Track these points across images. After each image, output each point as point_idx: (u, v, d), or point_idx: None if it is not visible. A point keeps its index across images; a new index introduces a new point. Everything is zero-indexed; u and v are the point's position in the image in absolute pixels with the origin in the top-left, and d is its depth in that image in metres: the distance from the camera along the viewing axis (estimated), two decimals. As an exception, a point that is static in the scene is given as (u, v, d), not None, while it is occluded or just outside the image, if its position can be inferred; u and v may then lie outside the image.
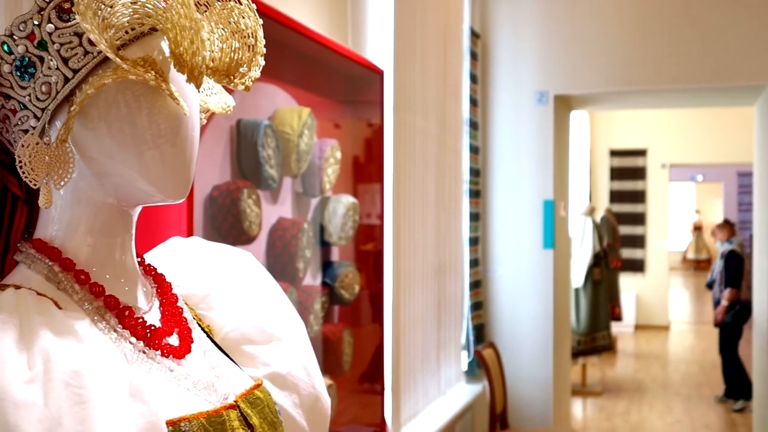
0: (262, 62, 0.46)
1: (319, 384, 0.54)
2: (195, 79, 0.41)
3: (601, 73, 2.70)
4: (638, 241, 6.15)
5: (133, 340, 0.44)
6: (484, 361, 2.41)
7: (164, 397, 0.42)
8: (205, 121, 0.52)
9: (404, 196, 1.88)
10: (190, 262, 0.55)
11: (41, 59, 0.42)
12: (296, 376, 0.53)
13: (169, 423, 0.41)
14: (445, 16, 2.26)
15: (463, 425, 2.48)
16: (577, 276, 3.92)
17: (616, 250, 4.79)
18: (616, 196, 6.12)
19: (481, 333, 2.70)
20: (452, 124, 2.37)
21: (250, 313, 0.54)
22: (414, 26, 1.93)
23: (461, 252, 2.52)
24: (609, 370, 4.77)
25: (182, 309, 0.49)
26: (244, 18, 0.45)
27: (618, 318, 4.57)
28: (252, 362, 0.52)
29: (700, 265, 10.48)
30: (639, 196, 6.15)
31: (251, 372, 0.51)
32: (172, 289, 0.50)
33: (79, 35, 0.42)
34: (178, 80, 0.44)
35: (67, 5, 0.42)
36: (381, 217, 1.66)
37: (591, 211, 4.16)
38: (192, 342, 0.47)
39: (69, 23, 0.42)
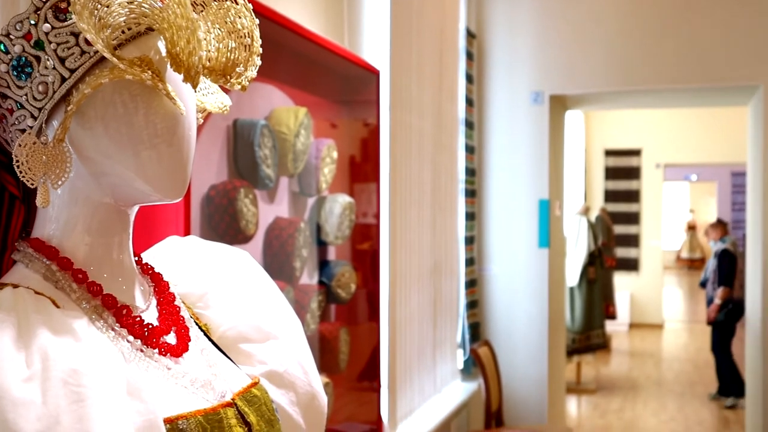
0: (259, 62, 0.46)
1: (315, 382, 0.55)
2: (191, 78, 0.41)
3: (596, 73, 2.71)
4: (633, 241, 6.19)
5: (131, 338, 0.44)
6: (480, 360, 2.43)
7: (162, 395, 0.43)
8: (202, 121, 0.52)
9: (400, 195, 1.89)
10: (188, 261, 0.55)
11: (38, 59, 0.42)
12: (293, 374, 0.53)
13: (167, 421, 0.41)
14: (441, 17, 2.26)
15: (459, 423, 2.49)
16: (572, 275, 3.94)
17: (611, 249, 4.82)
18: (610, 196, 6.15)
19: (476, 331, 2.72)
20: (448, 123, 2.37)
21: (247, 312, 0.54)
22: (410, 26, 1.93)
23: (457, 251, 2.53)
24: (603, 368, 4.80)
25: (179, 308, 0.50)
26: (240, 18, 0.45)
27: (612, 316, 4.60)
28: (249, 360, 0.52)
29: (694, 264, 10.56)
30: (633, 196, 6.19)
31: (248, 370, 0.51)
32: (169, 287, 0.50)
33: (76, 35, 0.42)
34: (174, 80, 0.44)
35: (63, 5, 0.42)
36: (377, 216, 1.67)
37: (586, 211, 4.18)
38: (189, 340, 0.47)
39: (65, 23, 0.42)
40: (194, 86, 0.42)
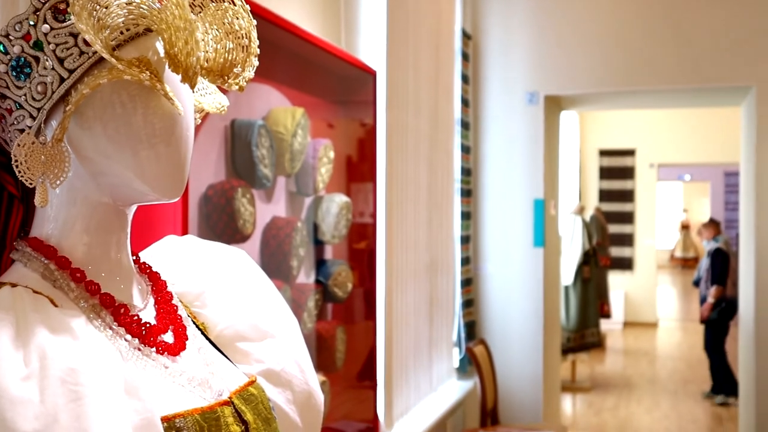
0: (256, 63, 0.46)
1: (312, 380, 0.55)
2: (189, 79, 0.42)
3: (590, 74, 2.73)
4: (627, 240, 6.23)
5: (129, 337, 0.45)
6: (475, 358, 2.44)
7: (159, 394, 0.43)
8: (200, 121, 0.53)
9: (397, 195, 1.89)
10: (185, 261, 0.55)
11: (37, 59, 0.42)
12: (290, 372, 0.53)
13: (164, 419, 0.41)
14: (437, 18, 2.27)
15: (455, 421, 2.50)
16: (567, 274, 3.96)
17: (605, 249, 4.85)
18: (605, 195, 6.19)
19: (472, 330, 2.73)
20: (444, 123, 2.38)
21: (244, 311, 0.54)
22: (406, 27, 1.94)
23: (453, 250, 2.54)
24: (598, 366, 4.83)
25: (177, 307, 0.50)
26: (238, 19, 0.46)
27: (607, 315, 4.63)
28: (246, 359, 0.52)
29: (687, 263, 10.64)
30: (628, 196, 6.23)
31: (245, 369, 0.52)
32: (167, 287, 0.51)
33: (75, 35, 0.42)
34: (172, 80, 0.44)
35: (62, 6, 0.42)
36: (374, 215, 1.67)
37: (580, 210, 4.20)
38: (187, 339, 0.48)
39: (64, 24, 0.42)
40: (192, 87, 0.42)
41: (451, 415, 2.37)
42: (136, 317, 0.46)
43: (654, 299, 6.43)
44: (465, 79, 2.67)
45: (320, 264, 1.47)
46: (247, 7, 0.47)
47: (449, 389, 2.45)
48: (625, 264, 6.21)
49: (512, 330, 2.77)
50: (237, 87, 0.46)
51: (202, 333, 0.51)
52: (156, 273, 0.51)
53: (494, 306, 2.80)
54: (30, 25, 0.42)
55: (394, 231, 1.86)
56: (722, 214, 9.83)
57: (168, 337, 0.47)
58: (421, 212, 2.12)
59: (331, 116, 1.58)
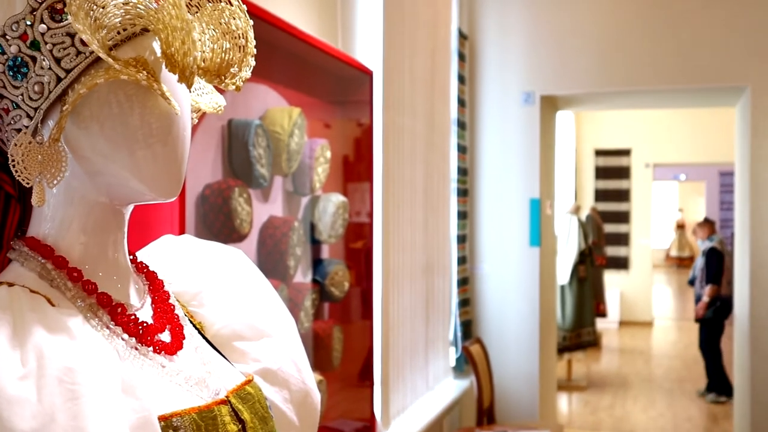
0: (253, 63, 0.47)
1: (309, 379, 0.55)
2: (186, 79, 0.42)
3: (586, 74, 2.74)
4: (622, 239, 6.26)
5: (126, 336, 0.45)
6: (472, 357, 2.44)
7: (156, 393, 0.43)
8: (197, 121, 0.53)
9: (393, 194, 1.90)
10: (182, 260, 0.56)
11: (34, 59, 0.42)
12: (287, 371, 0.54)
13: (162, 418, 0.41)
14: (433, 18, 2.27)
15: (451, 420, 2.51)
16: (563, 273, 3.97)
17: (601, 248, 4.87)
18: (601, 195, 6.22)
19: (468, 329, 2.73)
20: (440, 124, 2.39)
21: (241, 310, 0.55)
22: (403, 28, 1.95)
23: (449, 250, 2.54)
24: (594, 365, 4.85)
25: (174, 306, 0.50)
26: (234, 19, 0.46)
27: (603, 314, 4.65)
28: (243, 358, 0.53)
29: (683, 262, 10.69)
30: (623, 195, 6.26)
31: (242, 368, 0.52)
32: (164, 286, 0.51)
33: (72, 35, 0.42)
34: (169, 80, 0.44)
35: (59, 6, 0.42)
36: (370, 215, 1.68)
37: (576, 210, 4.22)
38: (184, 338, 0.48)
39: (61, 23, 0.42)
40: (189, 86, 0.43)
41: (447, 414, 2.38)
42: (133, 316, 0.46)
43: (649, 298, 6.47)
44: (461, 79, 2.68)
45: (317, 263, 1.47)
46: (244, 7, 0.47)
47: (446, 388, 2.46)
48: (621, 263, 6.24)
49: (508, 329, 2.78)
50: (234, 87, 0.46)
51: (199, 332, 0.52)
52: (153, 272, 0.51)
53: (490, 305, 2.81)
54: (27, 24, 0.42)
55: (390, 230, 1.86)
56: (717, 214, 9.89)
57: (165, 337, 0.47)
58: (418, 212, 2.13)
59: (327, 116, 1.58)
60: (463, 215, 2.72)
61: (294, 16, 1.45)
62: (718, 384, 3.95)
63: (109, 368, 0.39)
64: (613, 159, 6.21)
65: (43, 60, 0.42)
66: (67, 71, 0.42)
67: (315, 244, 1.47)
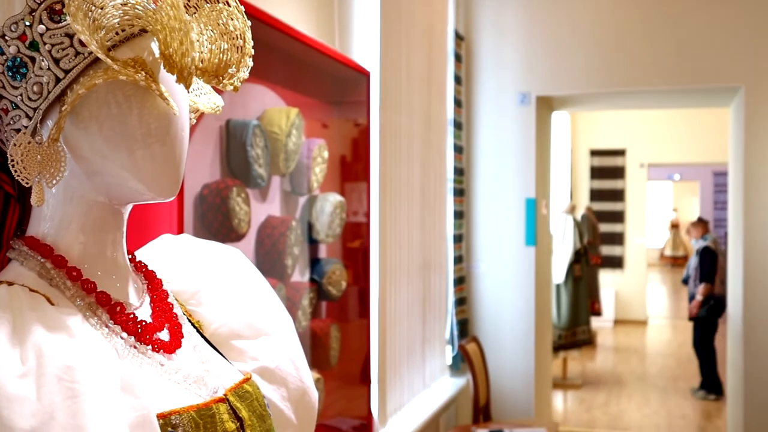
0: (251, 63, 0.47)
1: (306, 378, 0.56)
2: (184, 79, 0.42)
3: (581, 75, 2.76)
4: (617, 239, 6.30)
5: (125, 335, 0.45)
6: (468, 355, 2.46)
7: (155, 391, 0.43)
8: (195, 121, 0.53)
9: (390, 194, 1.90)
10: (181, 259, 0.56)
11: (33, 60, 0.42)
12: (284, 370, 0.54)
13: (160, 416, 0.42)
14: (429, 19, 2.28)
15: (447, 417, 2.52)
16: (559, 272, 3.99)
17: (596, 248, 4.90)
18: (596, 195, 6.25)
19: (464, 328, 2.74)
20: (437, 124, 2.40)
21: (239, 309, 0.55)
22: (399, 29, 1.95)
23: (445, 249, 2.55)
24: (589, 363, 4.88)
25: (173, 305, 0.50)
26: (232, 20, 0.46)
27: (598, 313, 4.67)
28: (241, 357, 0.53)
29: (677, 261, 10.76)
30: (618, 195, 6.29)
31: (240, 366, 0.52)
32: (162, 285, 0.51)
33: (70, 36, 0.42)
34: (167, 81, 0.45)
35: (58, 6, 0.43)
36: (367, 215, 1.68)
37: (572, 209, 4.24)
38: (182, 337, 0.48)
39: (60, 24, 0.42)
40: (187, 87, 0.43)
41: (444, 412, 2.39)
42: (131, 315, 0.46)
43: (644, 297, 6.51)
44: (457, 79, 2.68)
45: (314, 263, 1.47)
46: (242, 8, 0.47)
47: (442, 386, 2.47)
48: (616, 262, 6.28)
49: (504, 328, 2.79)
50: (232, 87, 0.46)
51: (198, 331, 0.52)
52: (152, 271, 0.51)
53: (486, 304, 2.82)
54: (26, 25, 0.42)
55: (387, 230, 1.87)
56: (711, 214, 9.97)
57: (164, 335, 0.47)
58: (415, 211, 2.14)
59: (325, 116, 1.58)
60: (459, 215, 2.73)
61: (291, 17, 1.45)
62: (710, 382, 3.98)
63: (108, 366, 0.40)
64: (608, 159, 6.24)
65: (42, 60, 0.42)
66: (66, 72, 0.42)
67: (312, 243, 1.47)
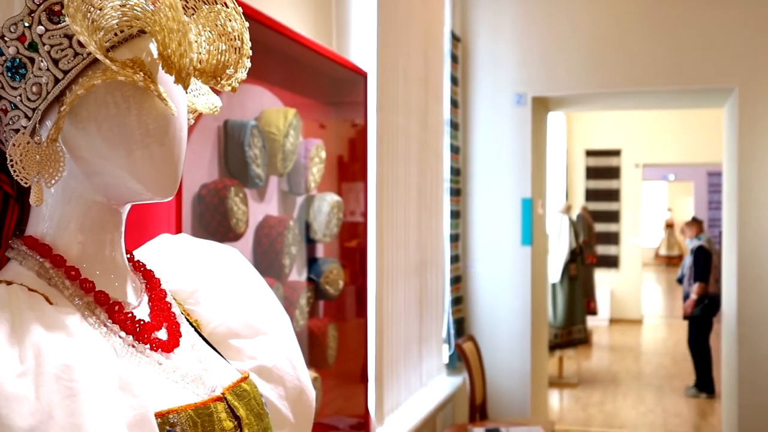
0: (249, 64, 0.47)
1: (304, 377, 0.56)
2: (183, 80, 0.42)
3: (577, 75, 2.77)
4: (613, 238, 6.33)
5: (123, 334, 0.45)
6: (465, 354, 2.46)
7: (153, 390, 0.43)
8: (193, 122, 0.53)
9: (387, 194, 1.91)
10: (179, 259, 0.56)
11: (32, 60, 0.43)
12: (282, 369, 0.54)
13: (158, 415, 0.42)
14: (426, 20, 2.29)
15: (444, 416, 2.53)
16: (554, 272, 4.01)
17: (592, 247, 4.93)
18: (591, 195, 6.28)
19: (461, 327, 2.75)
20: (434, 124, 2.40)
21: (236, 308, 0.55)
22: (397, 30, 1.96)
23: (442, 248, 2.56)
24: (585, 362, 4.90)
25: (171, 304, 0.50)
26: (230, 21, 0.46)
27: (593, 312, 4.70)
28: (239, 356, 0.53)
29: (671, 261, 10.82)
30: (613, 195, 6.33)
31: (238, 365, 0.52)
32: (160, 284, 0.51)
33: (69, 37, 0.42)
34: (166, 81, 0.45)
35: (57, 7, 0.43)
36: (365, 214, 1.69)
37: (567, 209, 4.26)
38: (180, 336, 0.48)
39: (59, 25, 0.43)
40: (185, 88, 0.43)
41: (440, 411, 2.40)
42: (130, 315, 0.46)
43: (639, 296, 6.54)
44: (454, 80, 2.69)
45: (312, 262, 1.48)
46: (240, 9, 0.47)
47: (439, 385, 2.48)
48: (611, 262, 6.31)
49: (501, 327, 2.80)
50: (229, 88, 0.47)
51: (196, 330, 0.52)
52: (150, 271, 0.51)
53: (483, 303, 2.83)
54: (25, 26, 0.43)
55: (384, 229, 1.87)
56: (705, 213, 10.03)
57: (162, 334, 0.47)
58: (411, 211, 2.14)
59: (322, 117, 1.59)
60: (455, 214, 2.74)
61: (289, 18, 1.46)
62: (703, 381, 4.01)
63: (106, 365, 0.40)
64: (604, 159, 6.27)
65: (41, 61, 0.42)
66: (65, 72, 0.42)
67: (310, 243, 1.47)
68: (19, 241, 0.46)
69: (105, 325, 0.45)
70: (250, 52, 0.47)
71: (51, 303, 0.43)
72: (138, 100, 0.44)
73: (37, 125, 0.43)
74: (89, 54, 0.42)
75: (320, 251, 1.54)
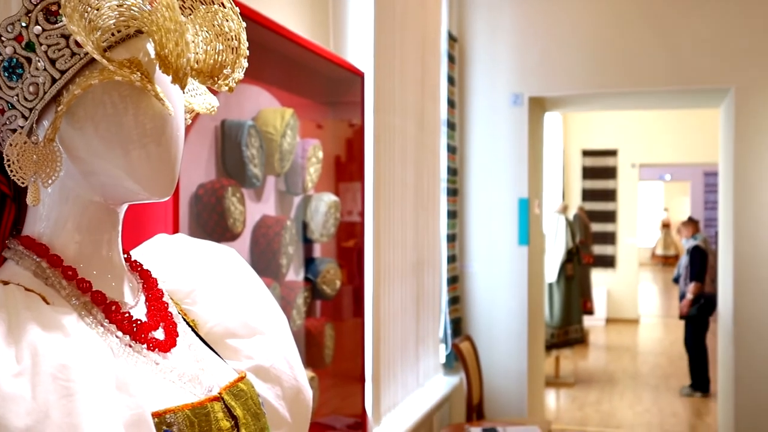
0: (246, 64, 0.47)
1: (301, 376, 0.56)
2: (180, 80, 0.42)
3: (574, 76, 2.78)
4: (609, 238, 6.35)
5: (120, 334, 0.45)
6: (461, 354, 2.47)
7: (150, 390, 0.43)
8: (190, 122, 0.53)
9: (384, 194, 1.91)
10: (176, 259, 0.56)
11: (29, 60, 0.43)
12: (279, 368, 0.54)
13: (155, 415, 0.42)
14: (423, 21, 2.29)
15: (441, 416, 2.53)
16: (551, 271, 4.02)
17: (588, 247, 4.94)
18: (588, 195, 6.31)
19: (458, 326, 2.76)
20: (430, 124, 2.41)
21: (233, 308, 0.55)
22: (393, 30, 1.96)
23: (439, 248, 2.57)
24: (581, 362, 4.92)
25: (168, 304, 0.50)
26: (227, 21, 0.46)
27: (590, 312, 4.71)
28: (236, 355, 0.53)
29: (668, 260, 10.87)
30: (610, 195, 6.35)
31: (235, 365, 0.52)
32: (157, 284, 0.51)
33: (66, 37, 0.43)
34: (163, 81, 0.45)
35: (54, 7, 0.43)
36: (362, 214, 1.69)
37: (564, 209, 4.27)
38: (177, 336, 0.48)
39: (56, 25, 0.43)
40: (182, 87, 0.43)
41: (437, 410, 2.40)
42: (127, 314, 0.46)
43: (636, 296, 6.57)
44: (451, 80, 2.70)
45: (309, 262, 1.48)
46: (237, 9, 0.48)
47: (436, 385, 2.48)
48: (608, 262, 6.33)
49: (497, 326, 2.81)
50: (227, 88, 0.47)
51: (193, 330, 0.52)
52: (147, 271, 0.51)
53: (480, 303, 2.84)
54: (22, 26, 0.43)
55: (381, 229, 1.87)
56: (702, 213, 10.09)
57: (159, 334, 0.47)
58: (408, 211, 2.15)
59: (319, 117, 1.59)
60: (452, 214, 2.74)
61: (286, 18, 1.46)
62: (699, 380, 4.04)
63: (103, 365, 0.40)
64: (600, 159, 6.30)
65: (38, 61, 0.42)
66: (62, 72, 0.42)
67: (307, 242, 1.47)
68: (15, 240, 0.46)
69: (102, 325, 0.45)
70: (247, 52, 0.47)
71: (48, 303, 0.43)
72: (135, 99, 0.44)
73: (34, 125, 0.43)
74: (86, 54, 0.42)
75: (317, 251, 1.54)
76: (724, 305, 2.85)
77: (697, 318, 4.05)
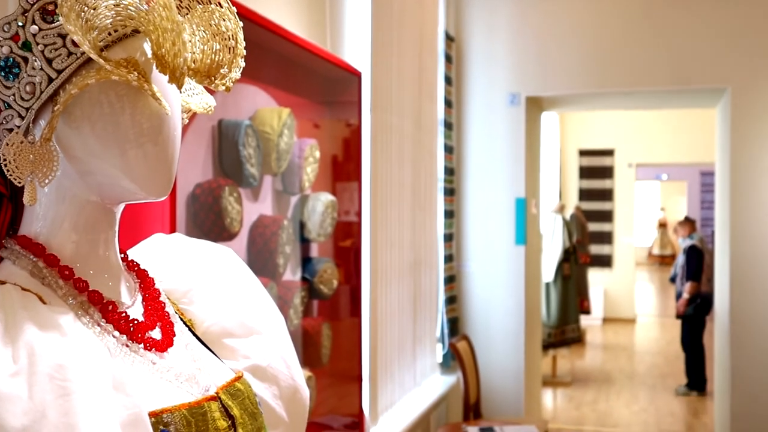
0: (243, 64, 0.47)
1: (298, 376, 0.56)
2: (177, 79, 0.42)
3: (571, 76, 2.79)
4: (606, 238, 6.38)
5: (117, 334, 0.45)
6: (459, 354, 2.47)
7: (147, 390, 0.43)
8: (187, 121, 0.53)
9: (381, 194, 1.91)
10: (173, 258, 0.56)
11: (25, 60, 0.43)
12: (276, 368, 0.54)
13: (152, 414, 0.42)
14: (420, 20, 2.29)
15: (438, 415, 2.54)
16: (548, 271, 4.03)
17: (585, 246, 4.95)
18: (585, 194, 6.33)
19: (455, 326, 2.76)
20: (428, 124, 2.41)
21: (230, 308, 0.55)
22: (391, 30, 1.96)
23: (436, 248, 2.57)
24: (578, 361, 4.93)
25: (165, 303, 0.50)
26: (224, 20, 0.46)
27: (587, 311, 4.73)
28: (233, 355, 0.53)
29: (664, 260, 10.91)
30: (607, 194, 6.37)
31: (232, 365, 0.52)
32: (154, 284, 0.51)
33: (63, 36, 0.42)
34: (160, 81, 0.45)
35: (51, 7, 0.43)
36: (359, 214, 1.69)
37: (561, 209, 4.29)
38: (174, 336, 0.48)
39: (53, 25, 0.43)
40: (179, 87, 0.43)
41: (434, 410, 2.41)
42: (124, 314, 0.46)
43: (632, 295, 6.59)
44: (448, 80, 2.70)
45: (306, 261, 1.48)
46: (234, 9, 0.48)
47: (433, 384, 2.49)
48: (605, 261, 6.35)
49: (494, 326, 2.82)
50: (224, 87, 0.47)
51: (190, 329, 0.52)
52: (144, 270, 0.51)
53: (477, 302, 2.84)
54: (19, 26, 0.43)
55: (378, 229, 1.88)
56: (698, 213, 10.13)
57: (156, 334, 0.48)
58: (405, 211, 2.15)
59: (316, 116, 1.59)
60: (449, 214, 2.75)
61: (283, 18, 1.46)
62: (695, 379, 4.05)
63: (100, 365, 0.40)
64: (597, 159, 6.32)
65: (35, 61, 0.42)
66: (59, 72, 0.42)
67: (304, 242, 1.47)
68: (12, 240, 0.46)
69: (98, 325, 0.45)
70: (245, 51, 0.47)
71: (44, 302, 0.43)
72: (132, 99, 0.44)
73: (30, 124, 0.43)
74: (83, 53, 0.42)
75: (314, 251, 1.54)
76: (720, 304, 2.87)
77: (694, 317, 4.06)
